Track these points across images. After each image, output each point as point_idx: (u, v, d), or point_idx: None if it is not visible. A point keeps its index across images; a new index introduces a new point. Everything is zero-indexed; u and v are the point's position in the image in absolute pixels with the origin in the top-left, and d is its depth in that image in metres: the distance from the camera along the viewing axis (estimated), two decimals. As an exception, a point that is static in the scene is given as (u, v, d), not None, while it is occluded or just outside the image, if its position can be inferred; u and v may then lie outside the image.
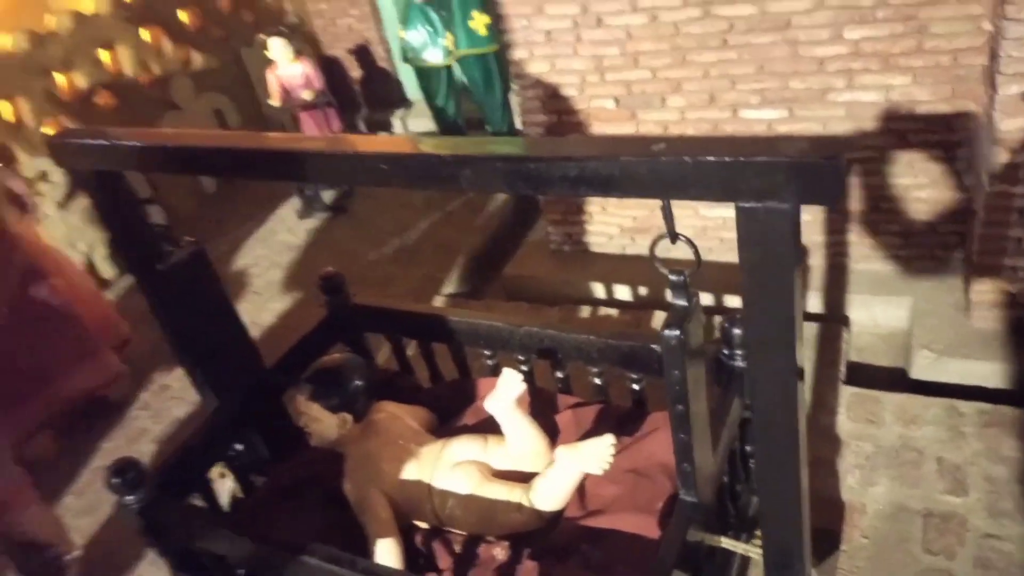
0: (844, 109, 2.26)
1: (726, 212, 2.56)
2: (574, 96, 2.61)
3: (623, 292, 2.73)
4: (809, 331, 2.35)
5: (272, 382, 1.72)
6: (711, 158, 0.86)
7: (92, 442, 2.58)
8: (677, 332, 1.04)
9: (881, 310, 2.39)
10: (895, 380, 2.20)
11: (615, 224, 2.79)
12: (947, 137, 2.18)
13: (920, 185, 2.28)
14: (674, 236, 1.01)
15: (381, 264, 3.27)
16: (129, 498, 1.42)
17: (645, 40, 2.38)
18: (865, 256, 2.47)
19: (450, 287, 3.00)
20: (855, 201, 2.40)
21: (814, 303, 2.49)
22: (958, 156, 2.20)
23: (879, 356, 2.32)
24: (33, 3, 5.34)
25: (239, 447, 1.72)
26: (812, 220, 2.49)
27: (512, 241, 3.18)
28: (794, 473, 1.16)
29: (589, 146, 1.03)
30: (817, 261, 2.55)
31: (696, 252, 1.02)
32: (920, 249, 2.39)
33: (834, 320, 2.40)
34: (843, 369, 2.19)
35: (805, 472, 1.21)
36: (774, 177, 0.84)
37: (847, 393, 2.08)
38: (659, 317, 2.25)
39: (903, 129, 2.22)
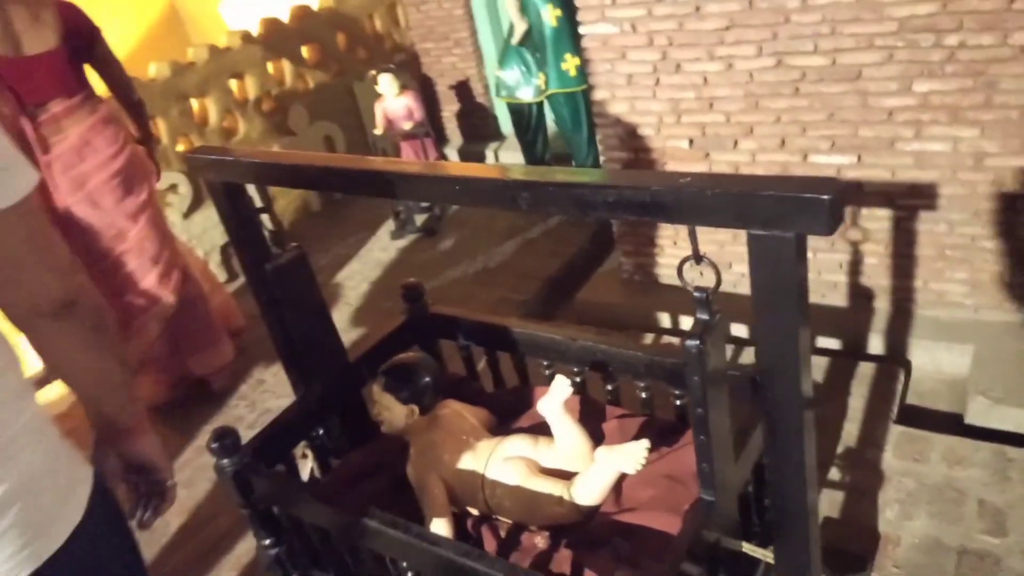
0: (912, 158, 2.33)
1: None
2: (651, 135, 2.77)
3: (688, 323, 2.84)
4: (866, 370, 2.40)
5: (354, 375, 1.94)
6: (726, 190, 1.01)
7: (195, 425, 2.89)
8: (698, 342, 1.18)
9: (944, 356, 2.41)
10: (951, 425, 2.22)
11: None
12: (1015, 190, 2.21)
13: (987, 235, 2.31)
14: (699, 258, 1.16)
15: (463, 283, 3.50)
16: (225, 461, 1.66)
17: (720, 86, 2.53)
18: (930, 302, 2.51)
19: (525, 309, 3.19)
20: (922, 248, 2.44)
21: (876, 345, 2.53)
22: (1026, 208, 2.23)
23: (939, 401, 2.34)
24: (176, 37, 5.98)
25: (321, 431, 1.94)
26: (878, 263, 2.55)
27: (586, 269, 3.34)
28: (802, 486, 1.27)
29: (627, 177, 1.20)
30: (882, 304, 2.60)
31: (717, 273, 1.17)
32: (986, 298, 2.40)
33: (894, 362, 2.44)
34: (895, 409, 2.23)
35: (815, 489, 1.31)
36: (778, 209, 0.98)
37: (897, 431, 2.13)
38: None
39: (971, 180, 2.27)
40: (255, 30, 4.28)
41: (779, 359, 1.16)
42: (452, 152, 5.15)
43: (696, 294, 1.20)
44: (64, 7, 2.53)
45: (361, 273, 3.81)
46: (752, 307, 1.12)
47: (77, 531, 0.92)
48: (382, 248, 4.02)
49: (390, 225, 4.18)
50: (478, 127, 5.17)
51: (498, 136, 5.11)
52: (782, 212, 0.99)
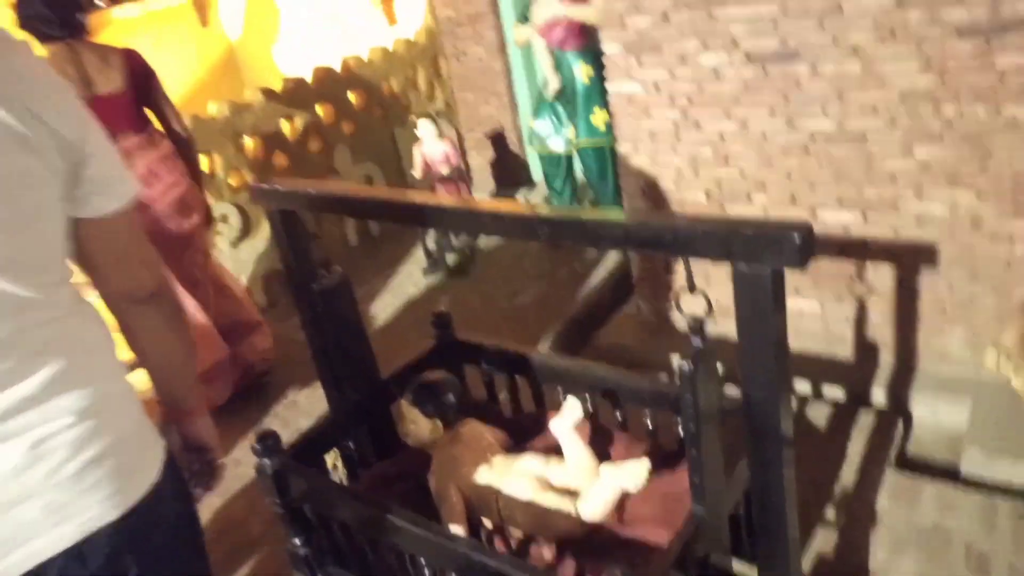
0: (914, 219, 2.48)
1: (802, 303, 2.79)
2: (671, 188, 2.95)
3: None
4: (868, 419, 2.52)
5: (384, 391, 2.11)
6: (713, 228, 1.18)
7: (231, 438, 3.08)
8: (689, 364, 1.34)
9: (944, 410, 2.51)
10: (947, 475, 2.31)
11: (699, 304, 3.06)
12: (1010, 250, 2.35)
13: (984, 292, 2.44)
14: (692, 287, 1.33)
15: (490, 320, 3.68)
16: (266, 461, 1.83)
17: (736, 144, 2.71)
18: (932, 358, 2.62)
19: (547, 346, 3.35)
20: (924, 304, 2.57)
21: (879, 396, 2.64)
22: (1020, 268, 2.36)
23: (937, 452, 2.43)
24: (235, 81, 6.36)
25: (351, 443, 2.11)
26: (882, 318, 2.68)
27: (607, 312, 3.51)
28: (781, 505, 1.40)
29: (631, 216, 1.38)
30: (886, 357, 2.72)
31: (708, 302, 1.33)
32: (985, 355, 2.52)
33: (895, 413, 2.55)
34: (893, 457, 2.34)
35: (794, 514, 1.44)
36: (756, 244, 1.15)
37: (893, 478, 2.23)
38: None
39: (969, 242, 2.41)
40: (304, 73, 4.59)
41: (760, 387, 1.30)
42: (485, 196, 5.39)
43: (690, 321, 1.36)
44: (127, 52, 2.85)
45: (392, 306, 4.02)
46: (737, 339, 1.28)
47: (153, 488, 1.10)
48: (414, 284, 4.23)
49: (422, 262, 4.39)
50: (511, 174, 5.41)
51: (529, 183, 5.35)
52: (759, 248, 1.16)
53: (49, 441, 0.98)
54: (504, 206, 1.56)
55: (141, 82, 2.86)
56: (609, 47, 2.85)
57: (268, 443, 1.82)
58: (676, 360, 3.02)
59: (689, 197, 2.90)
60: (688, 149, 2.83)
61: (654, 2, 2.67)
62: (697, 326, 1.35)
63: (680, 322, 3.16)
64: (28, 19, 2.62)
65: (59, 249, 1.04)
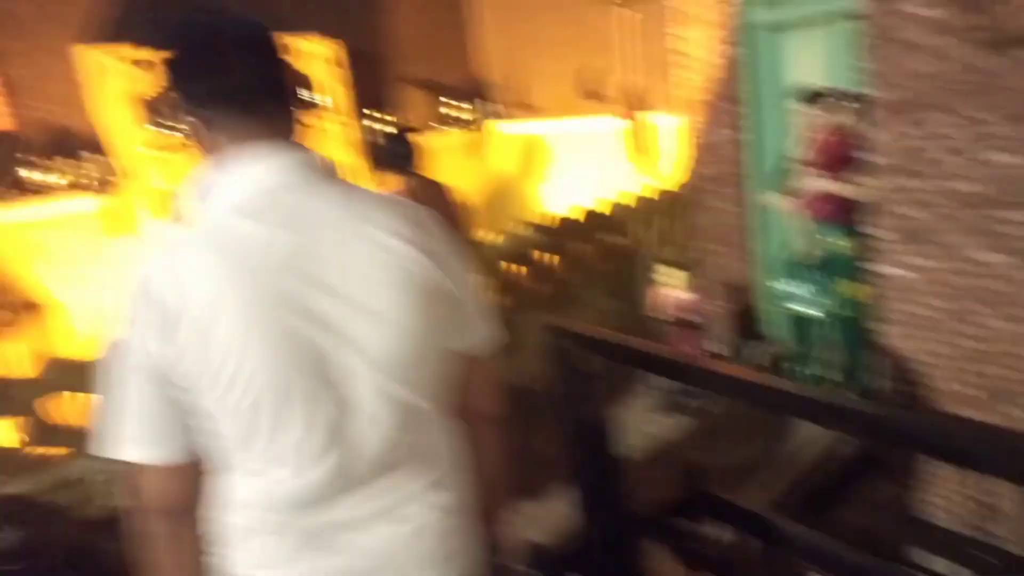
0: None
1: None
2: (930, 376, 2.91)
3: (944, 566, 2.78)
4: None
5: (635, 529, 2.28)
6: (1000, 441, 1.24)
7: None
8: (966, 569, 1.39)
9: None
10: None
11: (960, 495, 2.87)
12: None
13: None
14: (982, 504, 1.39)
15: (713, 471, 3.73)
16: (536, 572, 2.07)
17: (1007, 343, 2.65)
18: None
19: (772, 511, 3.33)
20: None
21: None
22: None
23: None
24: (503, 209, 7.14)
25: (594, 570, 2.28)
26: None
27: (843, 486, 3.41)
28: None
29: (907, 412, 1.45)
30: None
31: (994, 517, 1.38)
32: None
33: None
34: None
35: None
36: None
37: None
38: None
39: None
40: (563, 210, 5.12)
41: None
42: (717, 347, 5.49)
43: (973, 531, 1.41)
44: (443, 185, 3.55)
45: (624, 439, 4.21)
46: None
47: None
48: (644, 420, 4.42)
49: (654, 400, 4.58)
50: (745, 327, 5.47)
51: (762, 339, 5.37)
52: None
53: (426, 529, 1.29)
54: (776, 381, 1.71)
55: (450, 210, 3.47)
56: (876, 229, 2.95)
57: (543, 556, 2.06)
58: (933, 559, 2.86)
59: (952, 389, 2.84)
60: (952, 340, 2.80)
61: (928, 194, 2.75)
62: (984, 542, 1.40)
63: (934, 517, 3.00)
64: (388, 157, 3.33)
65: (445, 376, 1.36)
